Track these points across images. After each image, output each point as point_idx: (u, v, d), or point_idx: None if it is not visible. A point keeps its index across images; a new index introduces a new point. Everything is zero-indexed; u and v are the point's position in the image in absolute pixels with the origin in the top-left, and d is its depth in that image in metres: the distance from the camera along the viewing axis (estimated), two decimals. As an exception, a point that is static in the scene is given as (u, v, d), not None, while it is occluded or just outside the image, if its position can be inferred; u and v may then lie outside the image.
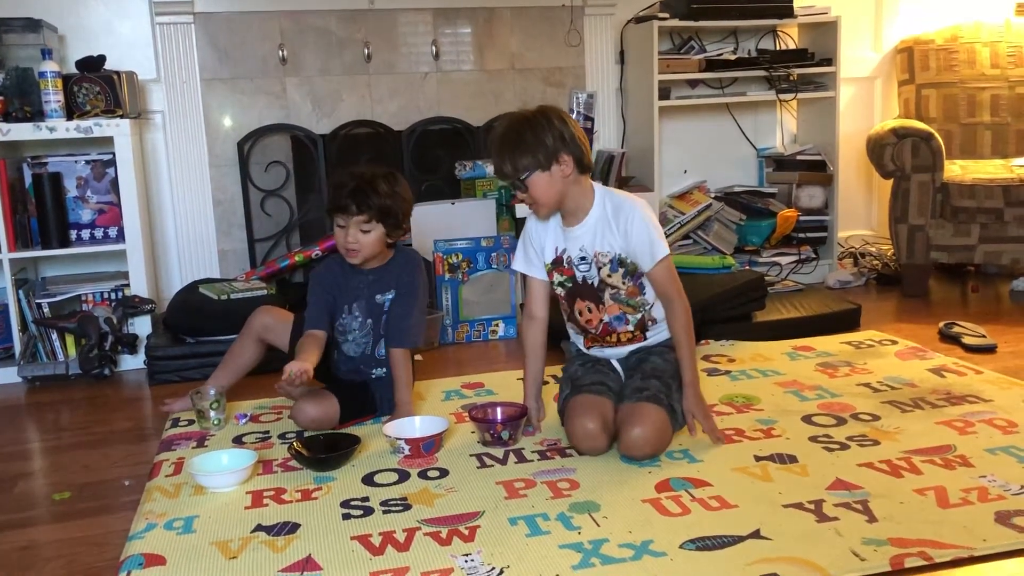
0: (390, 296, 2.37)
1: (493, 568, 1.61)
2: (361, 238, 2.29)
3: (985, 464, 1.98)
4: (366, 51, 3.59)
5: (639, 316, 2.18)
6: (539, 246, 2.21)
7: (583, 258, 2.14)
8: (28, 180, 3.07)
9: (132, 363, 3.11)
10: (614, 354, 2.24)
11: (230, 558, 1.70)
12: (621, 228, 2.09)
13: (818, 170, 3.96)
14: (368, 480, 2.04)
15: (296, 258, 3.38)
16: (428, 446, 2.16)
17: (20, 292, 3.05)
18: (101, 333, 2.98)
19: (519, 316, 3.31)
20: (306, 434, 2.30)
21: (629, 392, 2.13)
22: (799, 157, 3.99)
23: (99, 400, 2.83)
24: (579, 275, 2.17)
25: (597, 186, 2.15)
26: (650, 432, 2.02)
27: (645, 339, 2.21)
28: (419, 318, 2.39)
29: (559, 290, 2.22)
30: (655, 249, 2.08)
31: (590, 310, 2.19)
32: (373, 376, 2.43)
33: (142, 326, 3.12)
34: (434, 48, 3.66)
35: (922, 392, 2.48)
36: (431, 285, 3.25)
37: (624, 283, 2.14)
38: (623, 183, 3.78)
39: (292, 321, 2.48)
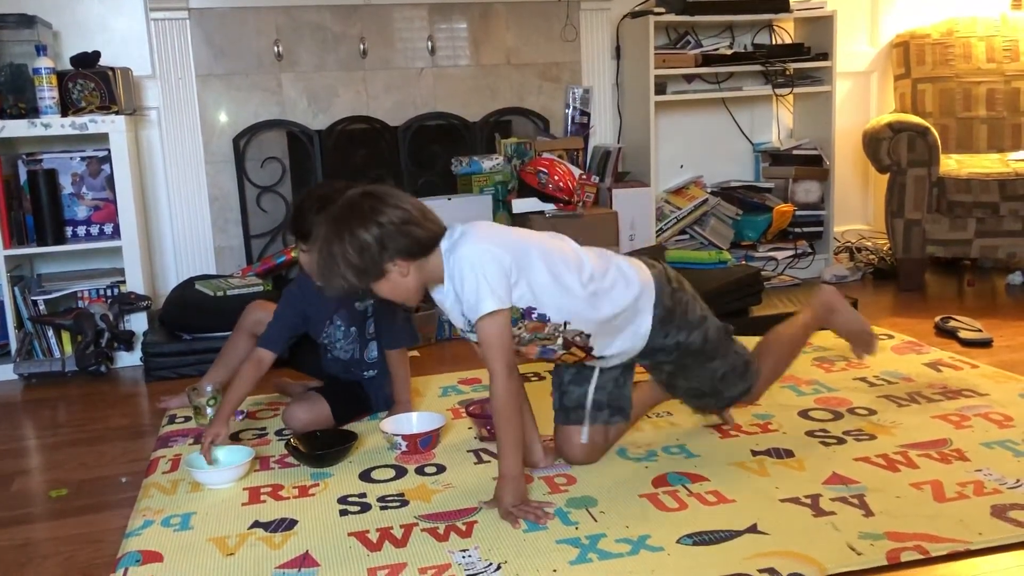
0: (370, 301, 2.36)
1: (490, 564, 1.61)
2: None
3: (981, 458, 1.99)
4: (361, 47, 3.58)
5: (560, 340, 1.90)
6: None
7: (468, 320, 1.84)
8: (23, 177, 3.06)
9: (128, 360, 3.10)
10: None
11: (227, 555, 1.70)
12: (457, 284, 1.81)
13: (814, 165, 3.96)
14: (365, 476, 2.04)
15: (292, 254, 3.38)
16: (425, 442, 2.16)
17: (16, 289, 3.04)
18: (97, 330, 2.97)
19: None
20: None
21: (609, 409, 2.05)
22: (795, 152, 3.99)
23: (95, 397, 2.82)
24: (475, 337, 1.87)
25: (444, 242, 1.82)
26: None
27: (596, 358, 1.97)
28: (406, 316, 2.40)
29: None
30: (478, 306, 1.76)
31: (519, 351, 1.93)
32: (365, 376, 2.44)
33: (138, 323, 3.11)
34: (430, 43, 3.65)
35: (918, 386, 2.48)
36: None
37: (520, 325, 1.85)
38: (619, 178, 3.78)
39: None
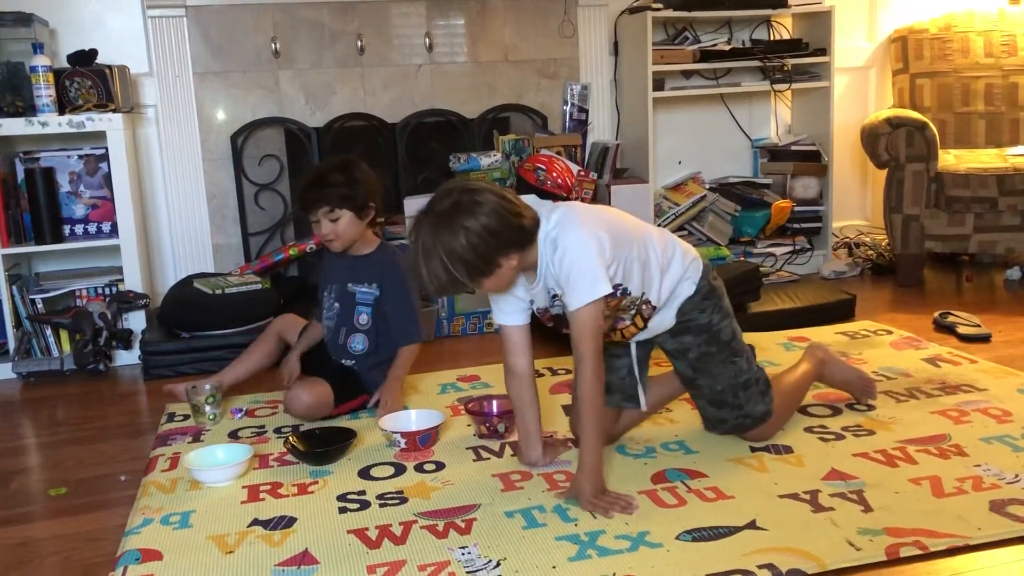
0: (362, 289, 2.41)
1: (490, 561, 1.61)
2: (333, 227, 2.34)
3: (980, 453, 1.99)
4: (359, 43, 3.58)
5: (633, 311, 1.98)
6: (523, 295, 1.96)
7: (554, 296, 1.89)
8: (20, 175, 3.05)
9: (127, 358, 3.10)
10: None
11: (227, 553, 1.70)
12: (562, 271, 1.82)
13: (812, 160, 3.96)
14: (364, 474, 2.04)
15: (290, 252, 3.37)
16: (424, 439, 2.16)
17: (14, 288, 3.04)
18: (96, 328, 2.97)
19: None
20: (302, 428, 2.30)
21: (618, 393, 2.11)
22: (793, 147, 3.99)
23: (94, 396, 2.82)
24: (555, 311, 1.94)
25: (542, 227, 1.83)
26: (753, 438, 2.10)
27: (645, 327, 2.01)
28: (417, 312, 2.44)
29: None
30: (588, 293, 1.79)
31: None
32: (344, 364, 2.45)
33: (136, 321, 3.11)
34: (427, 40, 3.65)
35: (917, 382, 2.48)
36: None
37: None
38: (618, 175, 3.78)
39: (304, 324, 2.59)
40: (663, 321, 2.02)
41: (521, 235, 1.78)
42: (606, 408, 2.08)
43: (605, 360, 2.06)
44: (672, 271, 1.97)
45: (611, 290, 1.82)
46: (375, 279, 2.39)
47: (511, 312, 1.95)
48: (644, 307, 1.98)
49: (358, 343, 2.42)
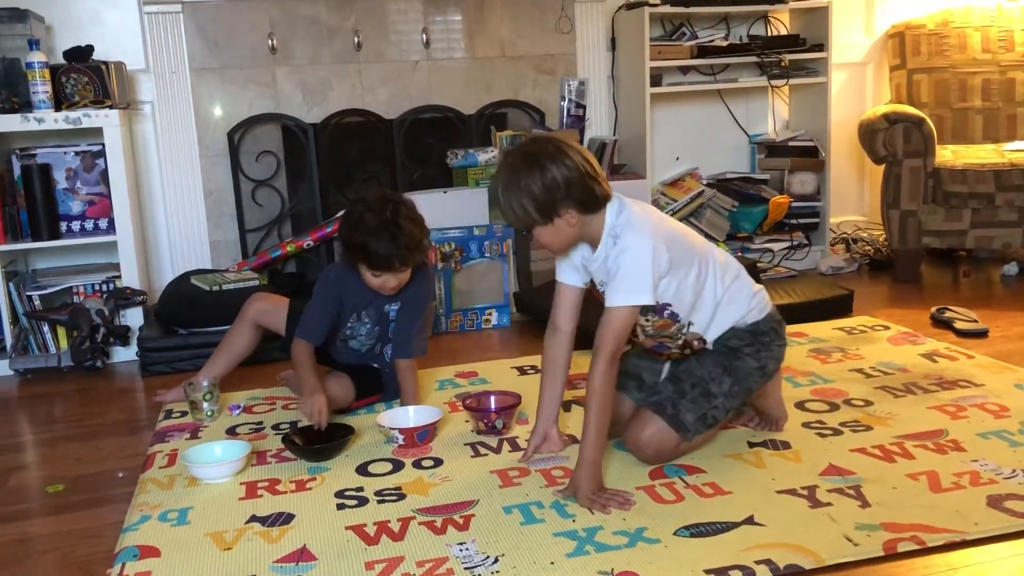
0: (394, 307, 2.40)
1: (488, 557, 1.61)
2: (399, 279, 2.30)
3: (977, 448, 1.99)
4: (356, 39, 3.57)
5: (680, 341, 1.98)
6: (581, 262, 1.98)
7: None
8: (17, 172, 3.05)
9: (124, 355, 3.10)
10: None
11: (225, 549, 1.70)
12: (614, 265, 1.84)
13: (810, 156, 3.96)
14: (362, 470, 2.04)
15: (288, 248, 3.37)
16: (422, 435, 2.16)
17: (11, 285, 3.03)
18: (93, 325, 2.96)
19: (512, 305, 3.31)
20: (300, 424, 2.30)
21: (647, 392, 2.05)
22: (791, 143, 3.99)
23: (92, 392, 2.82)
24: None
25: (610, 213, 1.85)
26: (645, 439, 1.94)
27: (705, 346, 2.02)
28: (422, 328, 2.43)
29: None
30: (626, 297, 1.81)
31: (632, 340, 1.97)
32: (376, 368, 2.47)
33: (134, 318, 3.11)
34: (424, 36, 3.64)
35: (914, 377, 2.49)
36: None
37: (649, 319, 1.93)
38: (615, 171, 3.78)
39: (287, 305, 2.52)
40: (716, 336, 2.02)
41: (588, 197, 1.81)
42: (624, 403, 2.05)
43: (649, 359, 2.07)
44: (733, 308, 1.97)
45: (652, 302, 1.83)
46: (399, 297, 2.38)
47: (569, 270, 1.97)
48: (696, 342, 1.99)
49: (389, 350, 2.45)
